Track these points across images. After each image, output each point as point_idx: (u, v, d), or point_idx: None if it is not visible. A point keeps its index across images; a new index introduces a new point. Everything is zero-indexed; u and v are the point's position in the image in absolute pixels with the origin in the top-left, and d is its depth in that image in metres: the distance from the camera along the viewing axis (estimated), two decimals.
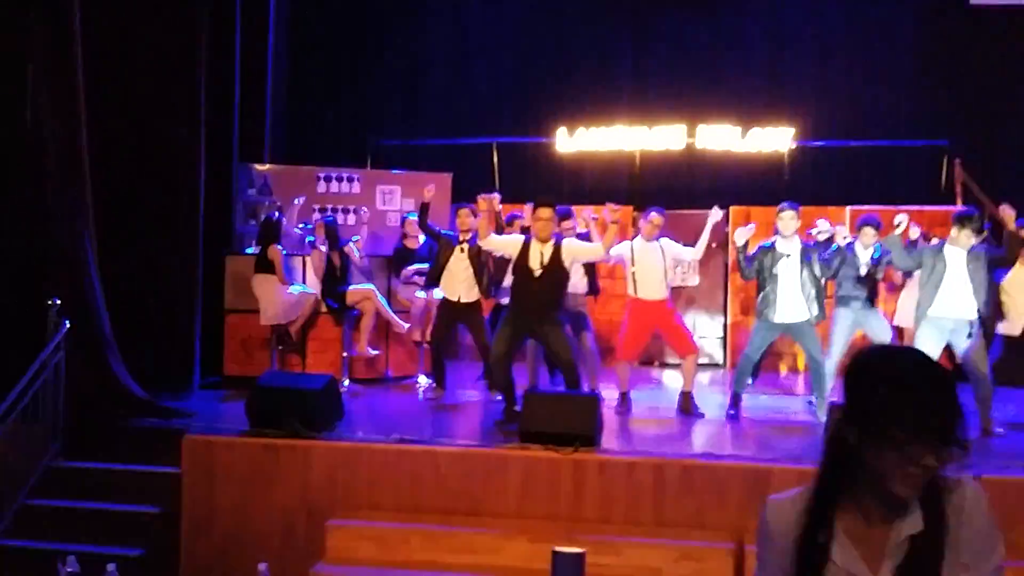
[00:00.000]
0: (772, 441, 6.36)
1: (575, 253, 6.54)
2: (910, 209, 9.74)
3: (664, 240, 7.30)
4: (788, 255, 6.85)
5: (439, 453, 5.67)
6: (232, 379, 8.06)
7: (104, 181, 7.12)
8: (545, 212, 6.41)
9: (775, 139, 10.63)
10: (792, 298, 6.82)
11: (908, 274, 7.90)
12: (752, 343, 7.09)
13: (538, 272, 6.37)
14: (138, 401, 6.78)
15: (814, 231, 7.18)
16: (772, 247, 6.92)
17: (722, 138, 10.69)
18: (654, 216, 7.24)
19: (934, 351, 6.42)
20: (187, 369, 7.65)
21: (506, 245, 6.62)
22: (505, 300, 7.17)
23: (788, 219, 6.86)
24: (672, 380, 9.00)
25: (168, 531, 5.74)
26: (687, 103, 10.93)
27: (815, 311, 6.83)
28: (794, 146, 10.66)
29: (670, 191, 10.33)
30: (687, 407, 7.12)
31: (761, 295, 6.94)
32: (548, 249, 6.42)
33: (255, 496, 5.70)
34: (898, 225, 6.77)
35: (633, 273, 7.18)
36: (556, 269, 6.42)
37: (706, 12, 11.29)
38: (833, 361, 7.14)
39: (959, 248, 6.44)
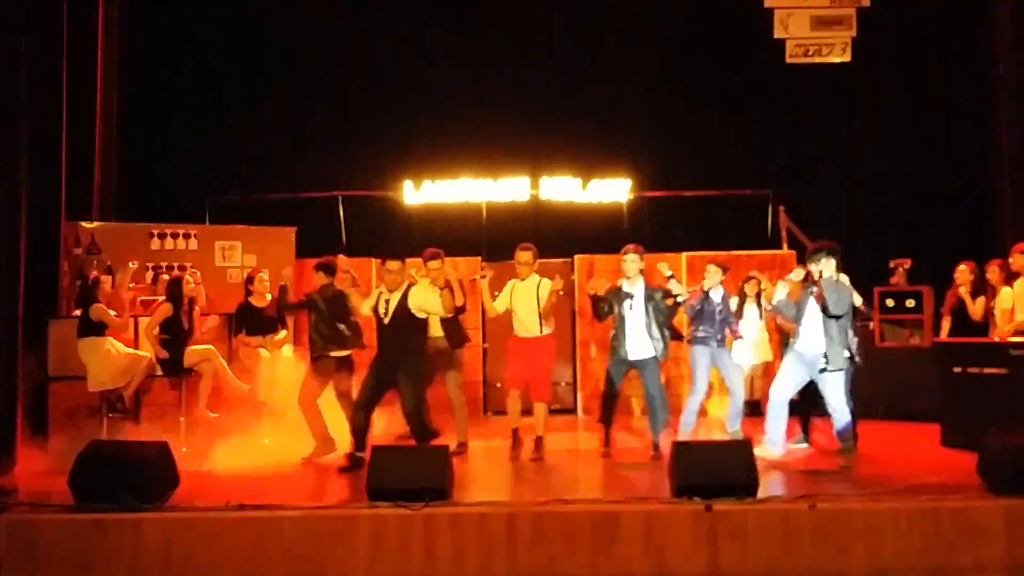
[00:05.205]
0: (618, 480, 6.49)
1: (421, 303, 6.90)
2: (740, 254, 10.35)
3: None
4: (632, 296, 7.19)
5: (283, 518, 5.43)
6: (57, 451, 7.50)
7: None
8: (393, 265, 6.91)
9: (614, 190, 11.06)
10: (638, 336, 7.19)
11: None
12: (607, 380, 7.43)
13: (386, 320, 6.86)
14: None
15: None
16: (619, 289, 7.26)
17: (564, 189, 11.04)
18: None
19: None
20: (7, 442, 7.08)
21: (368, 303, 7.13)
22: None
23: (630, 262, 7.27)
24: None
25: None
26: (530, 156, 11.23)
27: (660, 348, 7.24)
28: (632, 196, 11.11)
29: (517, 241, 10.53)
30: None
31: (612, 334, 7.33)
32: (395, 298, 6.88)
33: None
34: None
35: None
36: (402, 317, 6.84)
37: (543, 68, 11.65)
38: (697, 397, 7.62)
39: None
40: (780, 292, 6.92)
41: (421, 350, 7.01)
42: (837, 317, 6.58)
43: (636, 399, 10.07)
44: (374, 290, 7.13)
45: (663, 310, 7.29)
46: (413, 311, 6.85)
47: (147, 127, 11.08)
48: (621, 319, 7.26)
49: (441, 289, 6.88)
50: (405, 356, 6.81)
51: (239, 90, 11.46)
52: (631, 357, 7.26)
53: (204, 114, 11.33)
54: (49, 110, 8.19)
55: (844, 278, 6.93)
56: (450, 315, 7.12)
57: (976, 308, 8.15)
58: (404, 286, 6.91)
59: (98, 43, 9.74)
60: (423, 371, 7.02)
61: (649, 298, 7.24)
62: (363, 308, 7.18)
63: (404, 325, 6.83)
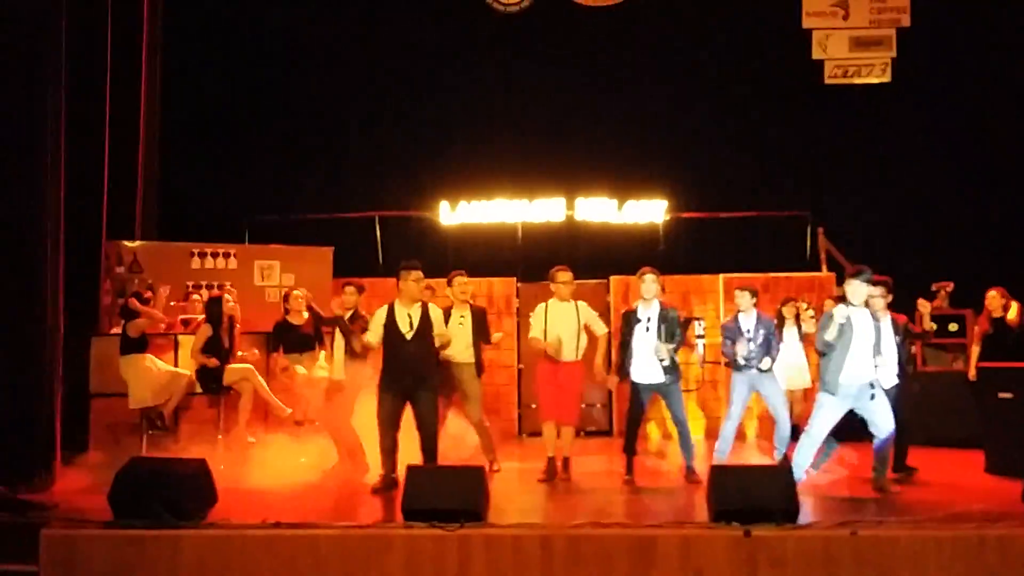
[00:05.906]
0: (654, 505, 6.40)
1: (437, 322, 6.79)
2: (779, 276, 10.24)
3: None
4: (648, 319, 7.08)
5: (319, 537, 5.43)
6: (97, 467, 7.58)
7: None
8: (414, 275, 6.70)
9: (650, 211, 11.02)
10: (646, 358, 7.07)
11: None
12: (632, 404, 7.26)
13: (409, 335, 6.63)
14: None
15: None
16: (634, 311, 7.19)
17: (600, 210, 11.03)
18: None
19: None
20: (47, 459, 7.15)
21: (375, 321, 6.80)
22: None
23: (649, 282, 7.14)
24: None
25: None
26: (565, 176, 11.24)
27: (672, 372, 7.09)
28: (668, 218, 11.06)
29: (552, 262, 10.52)
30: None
31: (623, 357, 7.19)
32: (416, 311, 6.67)
33: None
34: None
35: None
36: (426, 331, 6.65)
37: (579, 89, 11.68)
38: (732, 423, 7.45)
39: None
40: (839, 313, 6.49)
41: (436, 364, 6.94)
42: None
43: (654, 425, 9.94)
44: (377, 312, 6.86)
45: (675, 331, 7.13)
46: (435, 325, 6.77)
47: (188, 148, 11.26)
48: (631, 340, 7.14)
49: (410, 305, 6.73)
50: (428, 370, 6.73)
51: (278, 112, 11.63)
52: (641, 380, 7.14)
53: (244, 135, 11.50)
54: (91, 130, 8.36)
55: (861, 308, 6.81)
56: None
57: (1014, 315, 8.11)
58: (421, 303, 6.81)
59: (141, 65, 9.93)
60: (438, 387, 6.93)
61: (663, 319, 7.09)
62: (372, 339, 6.77)
63: (427, 339, 6.73)
